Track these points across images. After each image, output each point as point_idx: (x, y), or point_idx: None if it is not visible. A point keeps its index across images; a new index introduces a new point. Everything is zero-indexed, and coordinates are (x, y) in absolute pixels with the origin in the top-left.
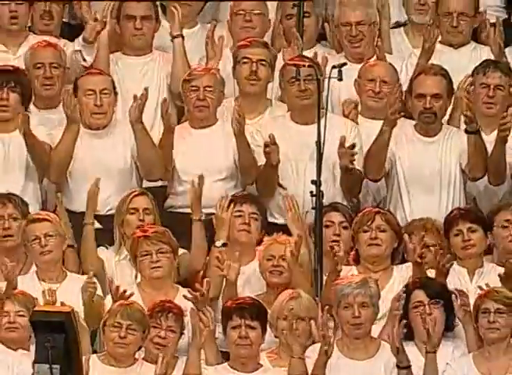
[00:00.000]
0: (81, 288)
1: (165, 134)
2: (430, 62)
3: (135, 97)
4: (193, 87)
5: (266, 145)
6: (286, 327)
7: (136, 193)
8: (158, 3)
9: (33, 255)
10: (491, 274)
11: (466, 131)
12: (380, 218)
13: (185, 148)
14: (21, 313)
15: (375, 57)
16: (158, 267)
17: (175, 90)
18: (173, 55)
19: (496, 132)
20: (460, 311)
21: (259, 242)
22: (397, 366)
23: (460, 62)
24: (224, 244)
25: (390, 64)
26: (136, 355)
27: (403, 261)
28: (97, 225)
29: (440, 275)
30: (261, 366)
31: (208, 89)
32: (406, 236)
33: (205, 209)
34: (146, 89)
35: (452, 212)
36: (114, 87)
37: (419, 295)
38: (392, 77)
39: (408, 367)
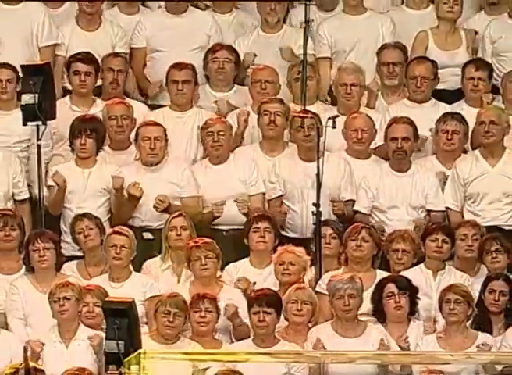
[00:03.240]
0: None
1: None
2: (400, 115)
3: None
4: (209, 132)
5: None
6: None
7: (174, 215)
8: (203, 73)
9: (108, 258)
10: (449, 275)
11: None
12: (365, 232)
13: (206, 178)
14: (98, 304)
15: (361, 108)
16: (206, 268)
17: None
18: None
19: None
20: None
21: (274, 250)
22: None
23: (423, 114)
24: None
25: (367, 115)
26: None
27: (386, 267)
28: (150, 236)
29: None
30: (279, 341)
31: (221, 133)
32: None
33: (226, 226)
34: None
35: (434, 223)
36: (165, 135)
37: (391, 287)
38: (369, 126)
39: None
